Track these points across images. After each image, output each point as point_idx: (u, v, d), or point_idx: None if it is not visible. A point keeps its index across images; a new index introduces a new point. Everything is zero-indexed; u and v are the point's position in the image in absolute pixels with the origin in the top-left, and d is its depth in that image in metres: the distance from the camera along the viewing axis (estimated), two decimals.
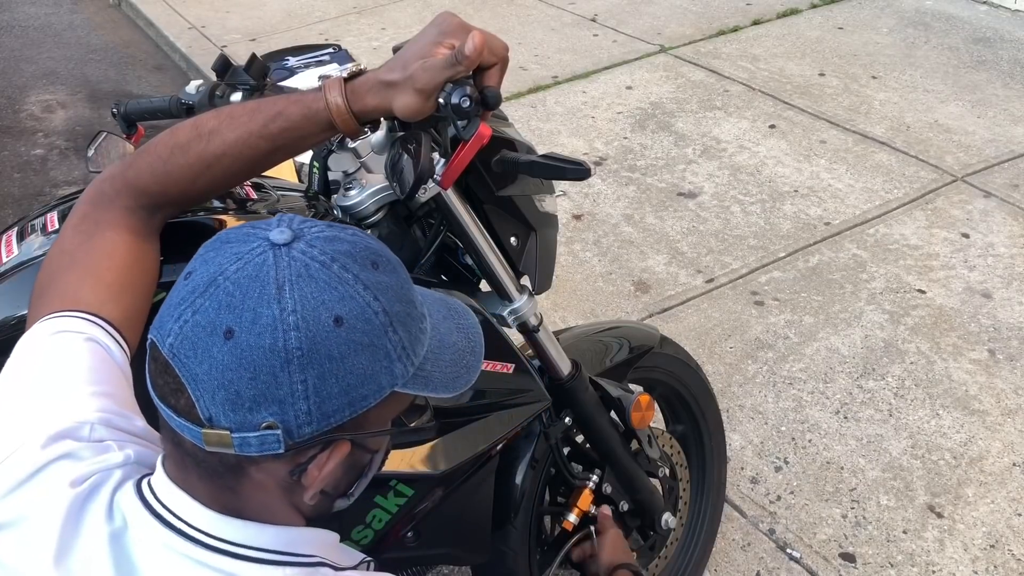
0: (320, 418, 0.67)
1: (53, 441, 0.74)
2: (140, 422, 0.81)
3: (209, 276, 0.66)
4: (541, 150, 1.19)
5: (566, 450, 1.49)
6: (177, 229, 1.01)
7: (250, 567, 0.70)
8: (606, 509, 1.46)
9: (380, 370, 0.68)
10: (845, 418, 2.29)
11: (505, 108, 1.27)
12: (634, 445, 1.49)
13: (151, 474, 0.75)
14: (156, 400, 0.69)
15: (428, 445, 1.17)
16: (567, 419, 1.41)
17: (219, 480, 0.70)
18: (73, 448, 0.74)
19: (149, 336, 0.69)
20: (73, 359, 0.82)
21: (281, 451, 0.67)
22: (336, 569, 0.75)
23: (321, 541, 0.77)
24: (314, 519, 0.77)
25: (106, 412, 0.78)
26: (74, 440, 0.75)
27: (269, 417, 0.66)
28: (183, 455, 0.71)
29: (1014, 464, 2.16)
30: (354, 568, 0.78)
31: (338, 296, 0.66)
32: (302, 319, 0.65)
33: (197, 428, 0.67)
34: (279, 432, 0.66)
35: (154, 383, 0.69)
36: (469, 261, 1.26)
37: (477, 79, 0.91)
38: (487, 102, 0.91)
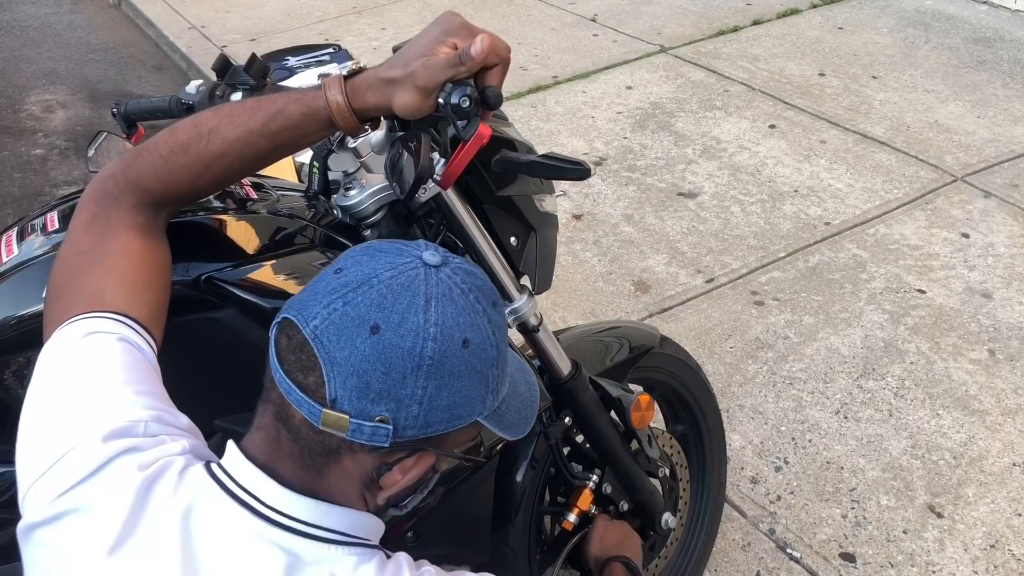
0: (423, 425, 0.74)
1: (112, 438, 0.76)
2: (184, 418, 0.84)
3: (363, 276, 0.74)
4: (541, 150, 1.19)
5: (566, 450, 1.49)
6: (177, 229, 1.01)
7: (315, 545, 0.75)
8: (603, 516, 1.45)
9: (477, 397, 0.76)
10: (845, 418, 2.29)
11: (505, 108, 1.26)
12: (634, 445, 1.49)
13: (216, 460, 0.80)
14: (280, 374, 0.74)
15: None
16: (567, 419, 1.41)
17: (310, 460, 0.76)
18: (133, 443, 0.77)
19: (284, 315, 0.76)
20: (110, 360, 0.83)
21: (386, 445, 0.73)
22: (387, 556, 0.80)
23: (376, 529, 0.82)
24: None
25: (155, 409, 0.81)
26: (132, 437, 0.77)
27: (385, 412, 0.72)
28: (281, 430, 0.76)
29: (1014, 464, 2.16)
30: (394, 558, 0.82)
31: (470, 322, 0.75)
32: (440, 333, 0.73)
33: (318, 407, 0.72)
34: (390, 428, 0.73)
35: (282, 358, 0.75)
36: (469, 260, 1.26)
37: (478, 79, 0.91)
38: (488, 102, 0.91)
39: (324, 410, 0.72)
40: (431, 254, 0.76)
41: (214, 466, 0.78)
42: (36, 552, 0.75)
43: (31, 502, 0.75)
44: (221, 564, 0.73)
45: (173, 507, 0.73)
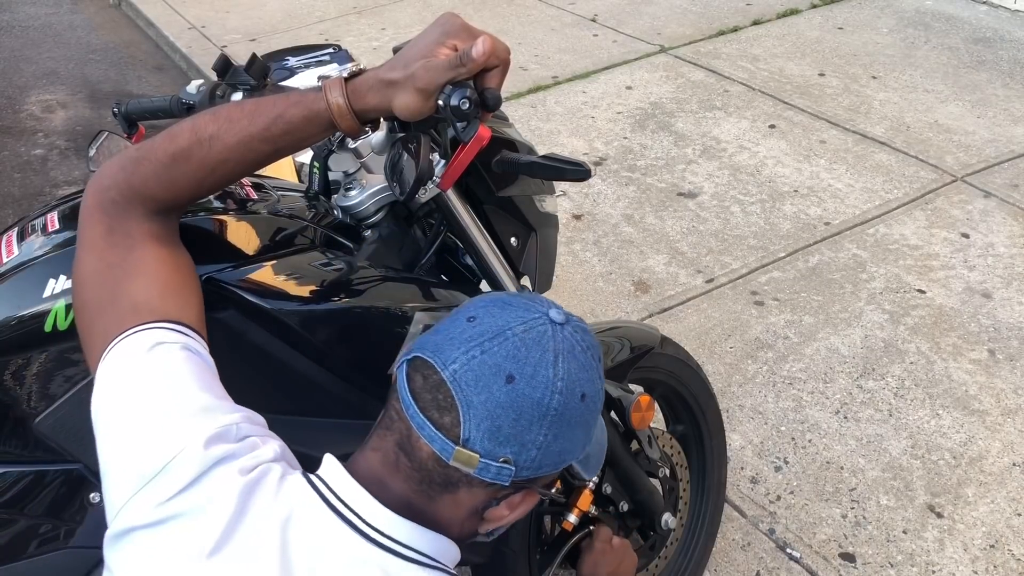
0: (536, 467, 0.80)
1: (212, 443, 0.79)
2: (259, 415, 0.87)
3: (497, 327, 0.80)
4: (541, 150, 1.19)
5: None
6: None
7: (406, 567, 0.79)
8: (606, 531, 1.44)
9: (580, 444, 0.84)
10: (845, 418, 2.29)
11: (505, 108, 1.27)
12: (634, 445, 1.49)
13: (315, 470, 0.83)
14: (414, 409, 0.79)
15: None
16: None
17: (427, 487, 0.81)
18: (230, 450, 0.80)
19: (417, 354, 0.81)
20: (182, 369, 0.84)
21: (507, 484, 0.80)
22: None
23: (455, 557, 0.87)
24: None
25: (239, 411, 0.84)
26: (228, 443, 0.80)
27: (509, 454, 0.78)
28: (401, 457, 0.81)
29: (1014, 464, 2.16)
30: None
31: (588, 378, 0.82)
32: (566, 386, 0.79)
33: (451, 444, 0.78)
34: (512, 468, 0.79)
35: (417, 395, 0.80)
36: (469, 261, 1.26)
37: (477, 80, 0.91)
38: (487, 104, 0.91)
39: (457, 448, 0.78)
40: (556, 312, 0.82)
41: (314, 477, 0.81)
42: (131, 554, 0.76)
43: (131, 511, 0.77)
44: (317, 574, 0.75)
45: (274, 513, 0.76)
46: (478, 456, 0.77)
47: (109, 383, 0.84)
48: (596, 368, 0.83)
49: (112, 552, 0.78)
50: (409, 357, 0.82)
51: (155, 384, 0.83)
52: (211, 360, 0.89)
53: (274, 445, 0.83)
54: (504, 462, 0.78)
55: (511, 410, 0.77)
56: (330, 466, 0.82)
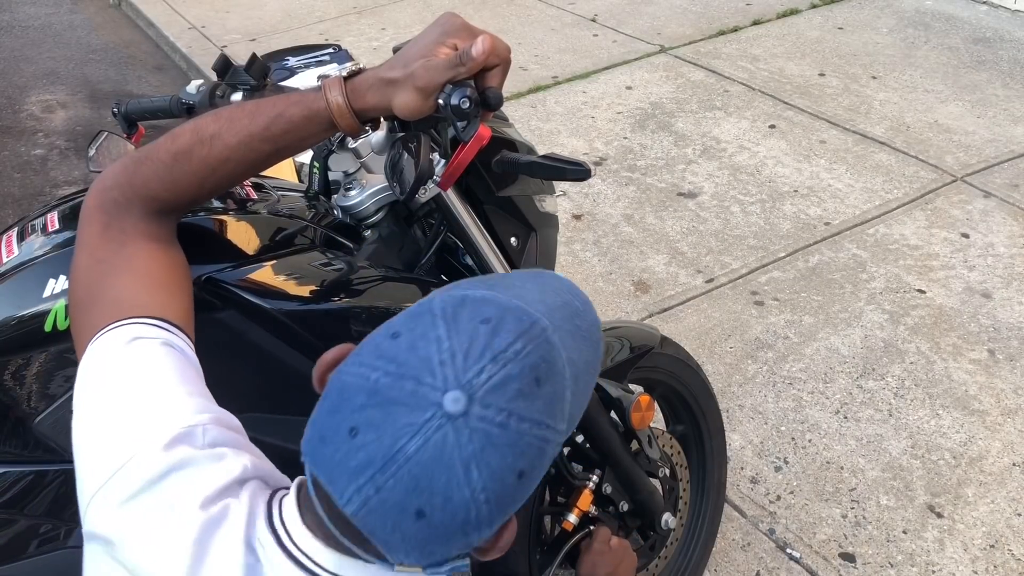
0: (491, 534, 0.69)
1: (171, 446, 0.75)
2: (235, 419, 0.83)
3: (385, 451, 0.64)
4: (541, 150, 1.19)
5: (566, 450, 1.49)
6: (177, 230, 1.01)
7: None
8: (606, 531, 1.44)
9: (541, 475, 0.70)
10: (845, 418, 2.29)
11: (505, 108, 1.27)
12: (634, 445, 1.49)
13: (282, 496, 0.76)
14: (336, 532, 0.70)
15: None
16: None
17: None
18: (191, 455, 0.75)
19: (313, 471, 0.68)
20: (157, 365, 0.83)
21: (467, 571, 0.72)
22: None
23: None
24: None
25: (209, 412, 0.80)
26: (191, 447, 0.76)
27: (455, 553, 0.68)
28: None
29: (1014, 464, 2.16)
30: None
31: (519, 453, 0.66)
32: (492, 491, 0.65)
33: (388, 564, 0.70)
34: (465, 560, 0.71)
35: (334, 520, 0.69)
36: (469, 261, 1.26)
37: (478, 80, 0.91)
38: (489, 103, 0.91)
39: (396, 565, 0.70)
40: (453, 398, 0.63)
41: (276, 521, 0.74)
42: (96, 563, 0.75)
43: (94, 511, 0.76)
44: None
45: (237, 563, 0.71)
46: (420, 567, 0.70)
47: (85, 377, 0.83)
48: (528, 429, 0.66)
49: (86, 549, 0.77)
50: (308, 472, 0.70)
51: (127, 379, 0.82)
52: (194, 358, 0.87)
53: (243, 460, 0.77)
54: (457, 558, 0.70)
55: (435, 539, 0.66)
56: (288, 512, 0.75)
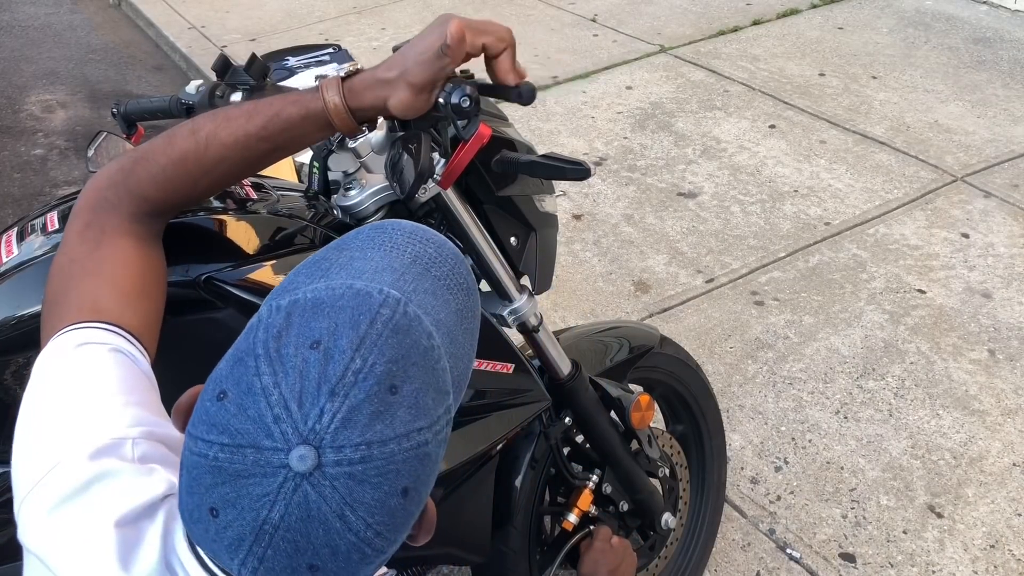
0: (398, 543, 0.65)
1: (97, 456, 0.73)
2: (175, 432, 0.77)
3: (251, 525, 0.59)
4: (541, 150, 1.19)
5: (566, 450, 1.49)
6: (176, 229, 1.01)
7: None
8: (606, 531, 1.44)
9: (433, 477, 0.66)
10: (845, 418, 2.29)
11: (504, 108, 1.27)
12: (634, 445, 1.49)
13: None
14: None
15: None
16: (567, 419, 1.41)
17: None
18: (116, 467, 0.72)
19: (198, 548, 0.65)
20: (101, 371, 0.81)
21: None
22: None
23: None
24: None
25: (144, 424, 0.77)
26: (118, 459, 0.73)
27: (376, 568, 0.63)
28: None
29: (1014, 464, 2.16)
30: None
31: (394, 475, 0.60)
32: (377, 523, 0.60)
33: None
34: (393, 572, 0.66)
35: None
36: (469, 261, 1.26)
37: (492, 73, 0.91)
38: (523, 97, 0.91)
39: None
40: (299, 456, 0.57)
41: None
42: (35, 572, 0.73)
43: (24, 518, 0.74)
44: None
45: None
46: None
47: (32, 379, 0.82)
48: (395, 448, 0.60)
49: (25, 557, 0.75)
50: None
51: (66, 384, 0.80)
52: (146, 366, 0.85)
53: (172, 478, 0.72)
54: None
55: None
56: (179, 543, 0.71)
